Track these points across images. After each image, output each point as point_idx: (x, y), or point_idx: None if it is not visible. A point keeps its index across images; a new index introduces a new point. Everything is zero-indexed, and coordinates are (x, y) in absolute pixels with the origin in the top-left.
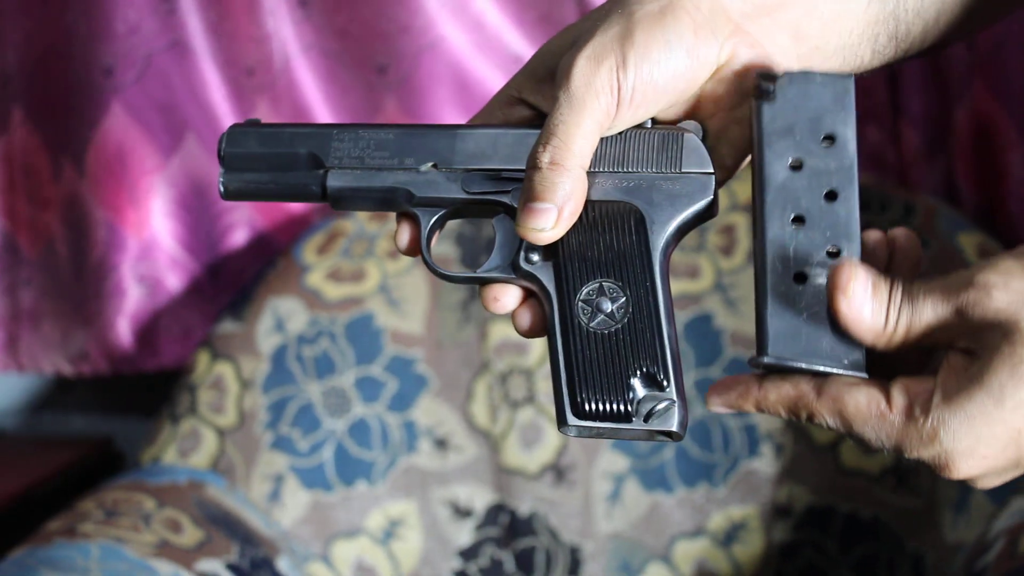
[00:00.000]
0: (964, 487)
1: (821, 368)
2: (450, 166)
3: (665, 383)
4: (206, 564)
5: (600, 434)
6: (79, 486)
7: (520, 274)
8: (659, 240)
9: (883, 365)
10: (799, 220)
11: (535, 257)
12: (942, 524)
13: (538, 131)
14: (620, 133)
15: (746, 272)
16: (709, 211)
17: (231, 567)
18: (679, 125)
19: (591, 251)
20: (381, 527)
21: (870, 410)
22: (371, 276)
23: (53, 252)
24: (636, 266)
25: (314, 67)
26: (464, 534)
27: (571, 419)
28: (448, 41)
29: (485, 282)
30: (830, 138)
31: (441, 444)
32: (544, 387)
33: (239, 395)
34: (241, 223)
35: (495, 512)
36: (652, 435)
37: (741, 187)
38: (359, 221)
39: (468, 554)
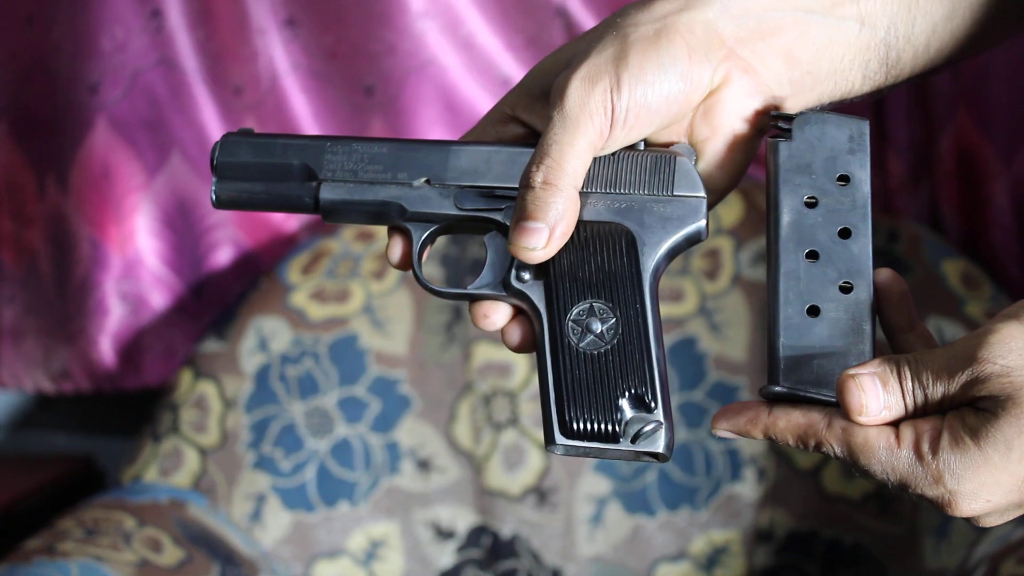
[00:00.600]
0: (945, 514)
1: (832, 399)
2: (443, 182)
3: (653, 405)
4: None
5: (587, 453)
6: (60, 504)
7: (511, 292)
8: (649, 262)
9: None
10: (813, 255)
11: (526, 275)
12: (924, 550)
13: (531, 150)
14: (613, 154)
15: (730, 296)
16: (699, 235)
17: None
18: (671, 148)
19: (582, 271)
20: (363, 548)
21: (878, 443)
22: (355, 296)
23: (36, 269)
24: (627, 287)
25: (301, 87)
26: (446, 556)
27: (559, 438)
28: (436, 63)
29: (475, 299)
30: (845, 178)
31: (424, 465)
32: (527, 409)
33: (222, 414)
34: (225, 242)
35: (477, 534)
36: (638, 456)
37: (726, 211)
38: (344, 241)
39: None
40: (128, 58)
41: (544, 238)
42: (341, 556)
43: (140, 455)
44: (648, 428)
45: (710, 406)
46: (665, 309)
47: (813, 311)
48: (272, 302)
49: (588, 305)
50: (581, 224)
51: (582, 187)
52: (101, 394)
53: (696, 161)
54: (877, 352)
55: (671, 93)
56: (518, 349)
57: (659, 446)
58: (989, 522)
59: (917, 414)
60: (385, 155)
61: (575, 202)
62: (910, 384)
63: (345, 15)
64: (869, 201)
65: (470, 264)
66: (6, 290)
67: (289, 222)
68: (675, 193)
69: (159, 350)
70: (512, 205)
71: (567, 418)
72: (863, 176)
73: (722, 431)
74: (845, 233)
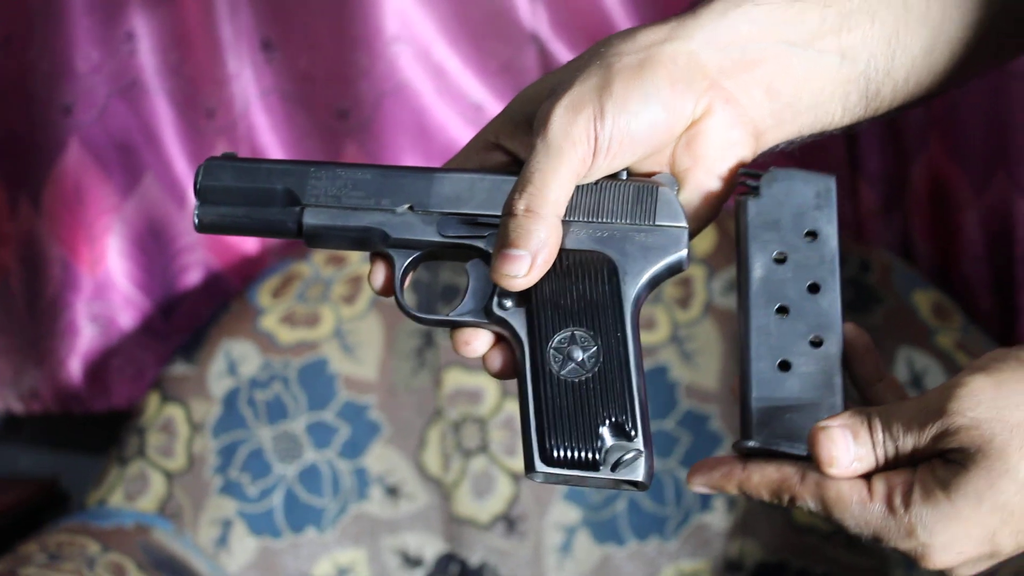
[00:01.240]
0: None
1: (804, 453)
2: (426, 209)
3: (633, 433)
4: None
5: (567, 481)
6: (22, 527)
7: (493, 319)
8: (631, 291)
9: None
10: (783, 311)
11: (508, 303)
12: None
13: (515, 177)
14: (596, 184)
15: (702, 325)
16: (681, 264)
17: None
18: (654, 178)
19: (564, 299)
20: (330, 575)
21: (851, 497)
22: (326, 321)
23: (7, 288)
24: (608, 316)
25: (276, 110)
26: None
27: (539, 465)
28: (410, 87)
29: (457, 326)
30: (812, 234)
31: (392, 492)
32: (497, 436)
33: (189, 438)
34: (196, 264)
35: (445, 562)
36: (618, 484)
37: (698, 240)
38: (315, 265)
39: None
40: (102, 80)
41: (526, 266)
42: None
43: (106, 479)
44: (628, 456)
45: (681, 435)
46: None
47: (784, 366)
48: (242, 325)
49: (570, 333)
50: (563, 252)
51: (564, 215)
52: (68, 415)
53: (678, 191)
54: (848, 405)
55: (654, 122)
56: (499, 375)
57: (639, 474)
58: (962, 573)
59: (888, 466)
60: (369, 181)
61: (557, 230)
62: (880, 436)
63: (320, 38)
64: (837, 256)
65: (441, 290)
66: None
67: (259, 245)
68: (657, 223)
69: (128, 372)
70: (495, 233)
71: (547, 445)
72: (830, 231)
73: (697, 487)
74: (814, 288)
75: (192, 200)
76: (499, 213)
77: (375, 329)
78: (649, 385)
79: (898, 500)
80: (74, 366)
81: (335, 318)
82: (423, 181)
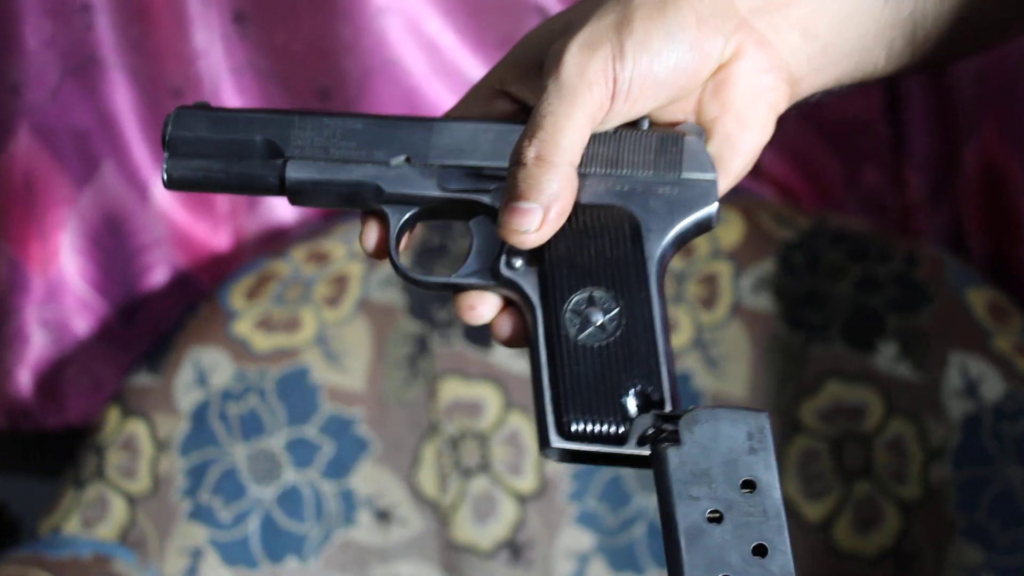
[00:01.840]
0: (973, 573)
1: None
2: (425, 161)
3: (662, 404)
4: None
5: (586, 458)
6: None
7: (501, 281)
8: (655, 249)
9: None
10: None
11: (518, 263)
12: None
13: (522, 126)
14: (615, 132)
15: (729, 328)
16: (710, 221)
17: None
18: (678, 128)
19: (581, 257)
20: None
21: None
22: (306, 325)
23: None
24: (631, 276)
25: (248, 89)
26: None
27: (555, 440)
28: (399, 63)
29: (461, 289)
30: (750, 484)
31: (383, 516)
32: (500, 454)
33: (153, 457)
34: (160, 262)
35: None
36: (646, 461)
37: (724, 232)
38: (294, 263)
39: None
40: (54, 57)
41: (537, 219)
42: None
43: (60, 504)
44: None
45: None
46: None
47: None
48: (212, 331)
49: (588, 294)
50: (579, 207)
51: (580, 167)
52: (18, 433)
53: (705, 142)
54: None
55: (679, 64)
56: (508, 343)
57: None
58: None
59: None
60: (360, 131)
61: (572, 180)
62: None
63: (299, 10)
64: (783, 509)
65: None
66: None
67: (232, 241)
68: (683, 175)
69: (84, 384)
70: (501, 186)
71: (565, 418)
72: (771, 480)
73: None
74: (760, 551)
75: (156, 190)
76: (506, 164)
77: (362, 334)
78: None
79: None
80: (23, 378)
81: (317, 322)
82: (421, 131)
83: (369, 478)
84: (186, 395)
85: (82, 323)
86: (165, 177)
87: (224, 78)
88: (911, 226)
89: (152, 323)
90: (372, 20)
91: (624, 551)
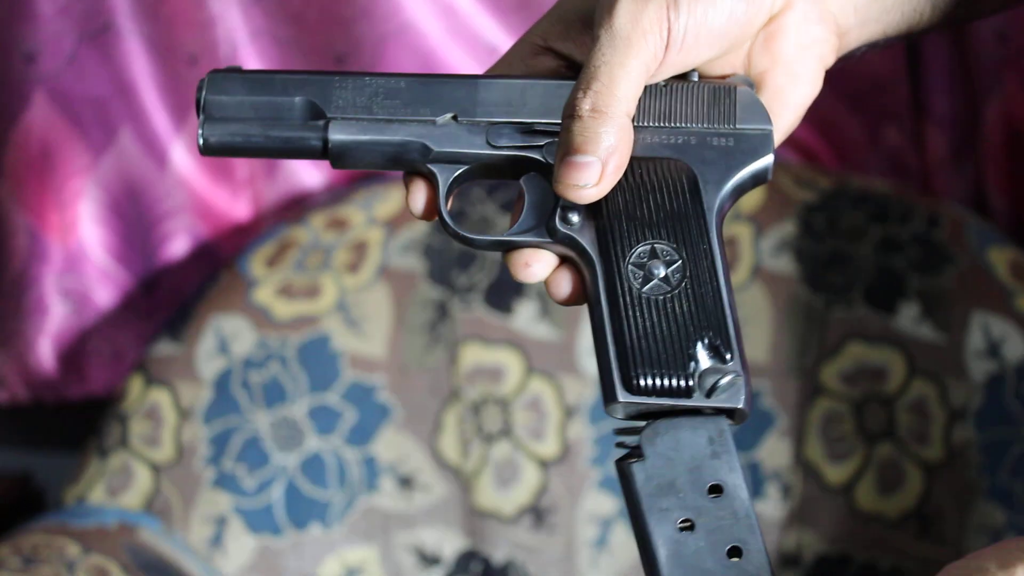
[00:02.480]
0: (997, 534)
1: None
2: (472, 118)
3: (728, 356)
4: None
5: (652, 413)
6: None
7: (557, 238)
8: (714, 201)
9: None
10: None
11: (574, 218)
12: None
13: (572, 82)
14: (666, 85)
15: (750, 290)
16: (767, 172)
17: None
18: (729, 80)
19: (639, 210)
20: None
21: None
22: (327, 292)
23: None
24: (691, 228)
25: (265, 55)
26: None
27: (621, 394)
28: (415, 28)
29: (515, 246)
30: (716, 488)
31: (405, 482)
32: (521, 419)
33: (176, 426)
34: (181, 231)
35: (466, 560)
36: (714, 413)
37: (744, 196)
38: (314, 230)
39: None
40: (70, 24)
41: (596, 173)
42: None
43: (84, 473)
44: (726, 380)
45: None
46: None
47: None
48: (233, 299)
49: (649, 247)
50: (634, 161)
51: (633, 120)
52: (40, 404)
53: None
54: None
55: (732, 14)
56: (567, 302)
57: (739, 400)
58: None
59: None
60: (403, 90)
61: (629, 132)
62: None
63: None
64: (752, 509)
65: (456, 256)
66: None
67: (252, 209)
68: (738, 126)
69: (105, 354)
70: (553, 141)
71: (632, 372)
72: (736, 481)
73: None
74: (735, 552)
75: (175, 157)
76: (557, 120)
77: (383, 301)
78: None
79: None
80: (44, 349)
81: (337, 289)
82: (466, 88)
83: (391, 444)
84: (208, 363)
85: (103, 293)
86: (201, 142)
87: (240, 44)
88: (933, 186)
89: (173, 292)
90: None
91: None
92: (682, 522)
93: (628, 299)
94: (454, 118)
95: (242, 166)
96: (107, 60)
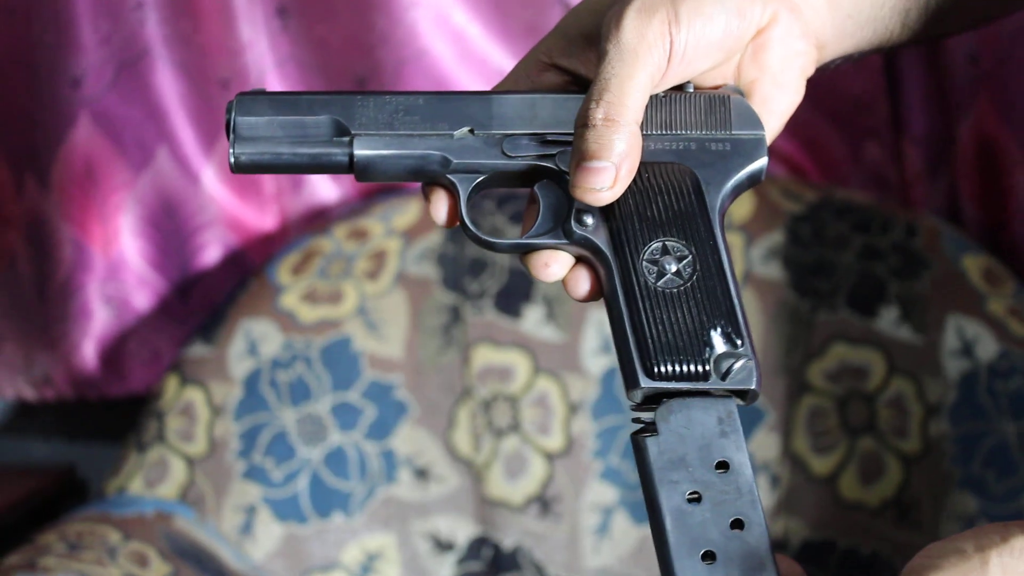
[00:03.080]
0: (970, 520)
1: None
2: (488, 131)
3: (739, 341)
4: None
5: (671, 394)
6: (39, 517)
7: (574, 239)
8: (716, 200)
9: None
10: (710, 556)
11: (589, 220)
12: None
13: (579, 95)
14: (665, 96)
15: (742, 296)
16: (761, 173)
17: None
18: (721, 89)
19: (649, 211)
20: (358, 561)
21: None
22: (348, 298)
23: (15, 272)
24: (698, 225)
25: (291, 79)
26: (445, 568)
27: (644, 381)
28: (430, 53)
29: (534, 248)
30: (723, 464)
31: (421, 474)
32: (529, 415)
33: (209, 422)
34: (213, 242)
35: (478, 545)
36: (728, 395)
37: (735, 206)
38: (336, 240)
39: None
40: (111, 51)
41: (611, 177)
42: (336, 570)
43: (124, 466)
44: (738, 364)
45: None
46: None
47: None
48: (261, 304)
49: (661, 244)
50: (641, 165)
51: (640, 130)
52: (84, 401)
53: None
54: None
55: (728, 28)
56: (585, 298)
57: (752, 382)
58: None
59: None
60: (422, 106)
61: (638, 138)
62: None
63: (337, 4)
64: (755, 486)
65: (468, 263)
66: None
67: (279, 221)
68: (734, 132)
69: (144, 355)
70: (564, 150)
71: (651, 361)
72: (742, 459)
73: None
74: (737, 524)
75: (206, 175)
76: (568, 130)
77: (400, 305)
78: None
79: None
80: (88, 350)
81: (358, 295)
82: (481, 103)
83: (408, 439)
84: (239, 364)
85: (142, 299)
86: (232, 161)
87: (268, 69)
88: (910, 198)
89: (206, 298)
90: (404, 13)
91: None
92: (690, 494)
93: (644, 293)
94: (471, 131)
95: (269, 183)
96: (145, 85)
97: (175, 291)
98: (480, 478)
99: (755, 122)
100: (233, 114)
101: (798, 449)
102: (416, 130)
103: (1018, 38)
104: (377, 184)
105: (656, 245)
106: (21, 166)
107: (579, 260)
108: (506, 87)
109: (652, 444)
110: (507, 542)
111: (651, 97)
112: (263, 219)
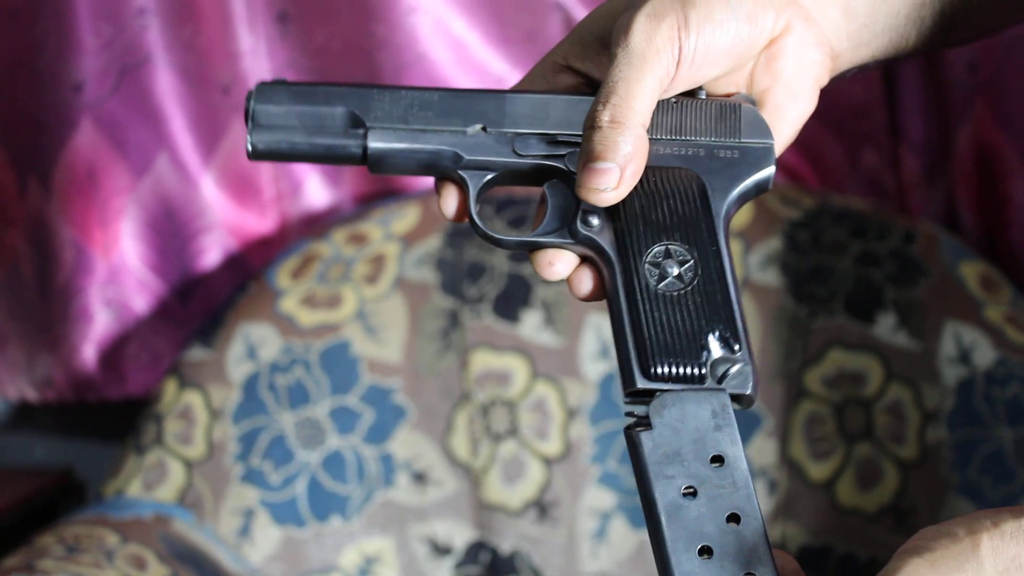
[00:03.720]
0: None
1: None
2: (500, 129)
3: (737, 346)
4: None
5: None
6: (37, 519)
7: (579, 239)
8: (721, 207)
9: None
10: (707, 551)
11: (594, 221)
12: None
13: (591, 96)
14: (676, 101)
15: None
16: (768, 182)
17: None
18: (733, 97)
19: (654, 214)
20: (356, 565)
21: None
22: (347, 302)
23: (18, 273)
24: (702, 230)
25: None
26: (443, 573)
27: (640, 382)
28: (429, 59)
29: (540, 247)
30: (719, 458)
31: (419, 478)
32: (527, 419)
33: (208, 425)
34: (212, 246)
35: (475, 550)
36: (721, 388)
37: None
38: (335, 244)
39: None
40: (113, 56)
41: (615, 178)
42: (333, 573)
43: (123, 468)
44: (735, 369)
45: None
46: None
47: None
48: (260, 308)
49: (664, 247)
50: (648, 170)
51: (648, 131)
52: (83, 403)
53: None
54: None
55: (737, 35)
56: (588, 298)
57: (748, 387)
58: None
59: None
60: (436, 102)
61: (644, 141)
62: None
63: (337, 10)
64: (750, 479)
65: (467, 268)
66: None
67: (278, 224)
68: (743, 140)
69: (144, 358)
70: (574, 151)
71: (648, 362)
72: (737, 452)
73: None
74: (734, 519)
75: (205, 180)
76: (578, 132)
77: (399, 310)
78: None
79: None
80: (88, 353)
81: (357, 299)
82: (495, 101)
83: (406, 443)
84: (237, 367)
85: (141, 302)
86: (250, 148)
87: (268, 75)
88: (908, 205)
89: (206, 302)
90: (403, 18)
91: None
92: (685, 488)
93: (645, 295)
94: (483, 129)
95: (268, 186)
96: (146, 90)
97: (175, 295)
98: (478, 482)
99: (765, 131)
100: (252, 102)
101: (795, 455)
102: (430, 125)
103: (1016, 47)
104: (375, 188)
105: (659, 248)
106: (25, 168)
107: (584, 260)
108: (523, 87)
109: (646, 438)
110: (505, 546)
111: (662, 102)
112: (262, 223)
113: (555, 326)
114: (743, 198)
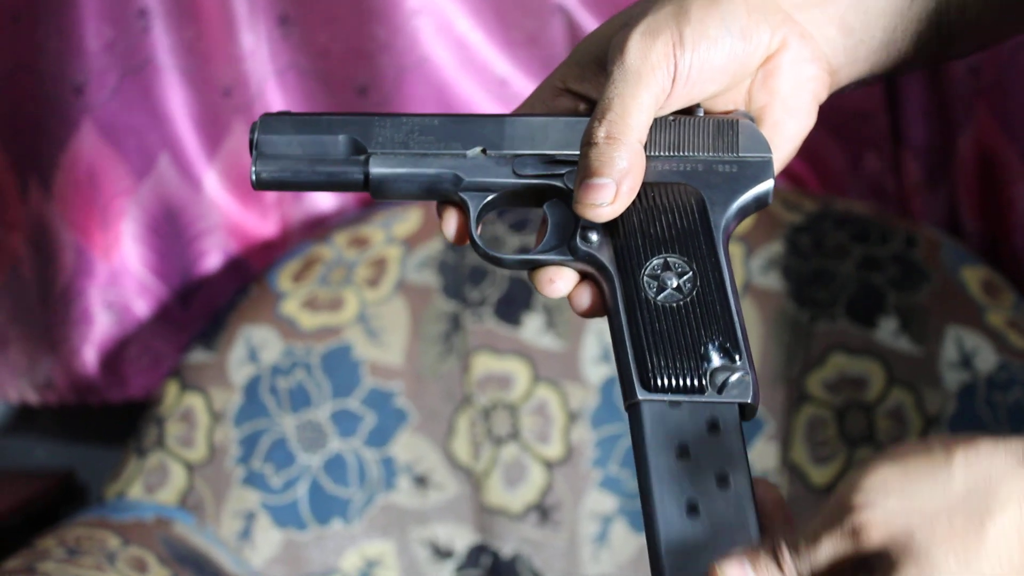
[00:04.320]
0: None
1: None
2: (499, 151)
3: (736, 356)
4: None
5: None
6: (39, 521)
7: (578, 256)
8: (720, 220)
9: None
10: (693, 509)
11: (593, 237)
12: None
13: (588, 118)
14: (674, 119)
15: (741, 306)
16: (767, 196)
17: None
18: (731, 114)
19: (652, 228)
20: (357, 568)
21: None
22: (349, 305)
23: (18, 275)
24: (701, 243)
25: (292, 87)
26: None
27: (641, 393)
28: (431, 62)
29: (540, 264)
30: (715, 427)
31: (421, 481)
32: (528, 423)
33: (209, 428)
34: (214, 248)
35: (477, 553)
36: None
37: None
38: (337, 248)
39: None
40: (115, 59)
41: (611, 194)
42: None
43: (124, 471)
44: (735, 378)
45: None
46: None
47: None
48: (262, 311)
49: (663, 260)
50: (647, 185)
51: (645, 149)
52: (84, 406)
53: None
54: None
55: (732, 52)
56: (588, 313)
57: (748, 396)
58: None
59: None
60: (436, 127)
61: (641, 156)
62: (787, 556)
63: (339, 12)
64: (743, 446)
65: (468, 272)
66: None
67: (279, 228)
68: (741, 155)
69: (145, 361)
70: (572, 170)
71: (649, 373)
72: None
73: None
74: (723, 481)
75: (208, 182)
76: (576, 151)
77: (400, 313)
78: None
79: None
80: (89, 355)
81: (359, 302)
82: (494, 125)
83: (408, 446)
84: (239, 370)
85: (142, 305)
86: (254, 178)
87: (269, 77)
88: (910, 209)
89: (207, 304)
90: (406, 21)
91: None
92: (679, 451)
93: (644, 307)
94: (483, 151)
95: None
96: (147, 92)
97: (176, 297)
98: (479, 486)
99: (763, 145)
100: (256, 133)
101: (797, 459)
102: (430, 150)
103: (1019, 51)
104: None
105: (658, 261)
106: (26, 170)
107: (584, 277)
108: (523, 111)
109: (647, 408)
110: (506, 550)
111: (660, 120)
112: (264, 226)
113: (556, 330)
114: (743, 212)
